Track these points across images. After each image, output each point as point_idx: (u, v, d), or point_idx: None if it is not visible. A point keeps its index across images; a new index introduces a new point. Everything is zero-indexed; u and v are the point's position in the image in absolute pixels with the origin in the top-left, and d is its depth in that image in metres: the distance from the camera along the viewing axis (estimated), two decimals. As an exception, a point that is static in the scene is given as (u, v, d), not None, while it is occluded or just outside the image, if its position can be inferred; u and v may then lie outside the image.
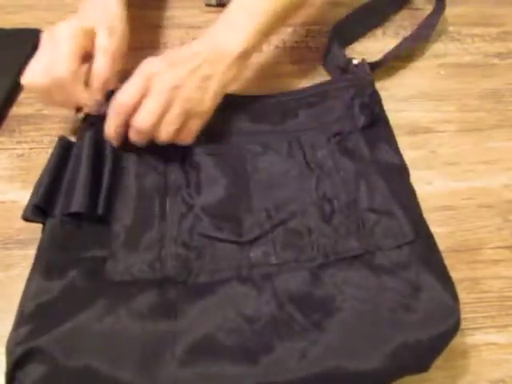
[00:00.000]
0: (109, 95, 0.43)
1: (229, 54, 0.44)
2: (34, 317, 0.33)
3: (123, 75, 0.43)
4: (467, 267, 0.42)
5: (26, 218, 0.39)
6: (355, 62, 0.53)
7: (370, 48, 0.62)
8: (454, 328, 0.33)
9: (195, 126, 0.44)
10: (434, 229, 0.39)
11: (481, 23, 0.66)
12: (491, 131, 0.53)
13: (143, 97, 0.41)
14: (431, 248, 0.38)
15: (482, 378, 0.36)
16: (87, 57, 0.43)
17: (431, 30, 0.61)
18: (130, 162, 0.43)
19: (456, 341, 0.34)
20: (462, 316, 0.34)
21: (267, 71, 0.58)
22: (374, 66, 0.54)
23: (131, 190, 0.41)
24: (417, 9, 0.68)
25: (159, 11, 0.66)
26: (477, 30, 0.65)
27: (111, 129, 0.42)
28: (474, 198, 0.47)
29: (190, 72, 0.42)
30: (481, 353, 0.38)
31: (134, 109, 0.41)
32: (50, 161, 0.41)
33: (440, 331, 0.33)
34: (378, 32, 0.65)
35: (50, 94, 0.42)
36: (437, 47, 0.62)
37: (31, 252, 0.38)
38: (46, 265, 0.36)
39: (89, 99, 0.43)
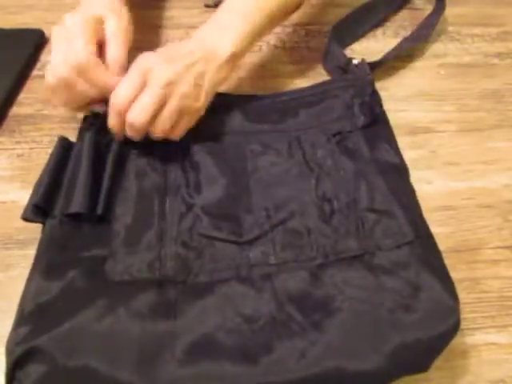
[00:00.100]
0: None
1: (222, 54, 0.44)
2: (34, 317, 0.33)
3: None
4: (467, 267, 0.42)
5: (25, 218, 0.39)
6: (355, 61, 0.53)
7: (370, 48, 0.62)
8: (454, 328, 0.33)
9: (187, 123, 0.44)
10: (434, 229, 0.39)
11: (481, 23, 0.66)
12: (491, 131, 0.53)
13: (139, 92, 0.41)
14: (431, 248, 0.38)
15: (481, 378, 0.36)
16: (99, 44, 0.43)
17: (431, 30, 0.61)
18: (130, 162, 0.43)
19: (456, 341, 0.34)
20: (462, 316, 0.34)
21: (267, 71, 0.59)
22: (374, 66, 0.54)
23: (131, 189, 0.41)
24: (417, 9, 0.68)
25: (159, 11, 0.67)
26: (477, 30, 0.65)
27: (113, 126, 0.42)
28: (474, 198, 0.47)
29: (186, 68, 0.42)
30: (481, 353, 0.37)
31: (131, 104, 0.41)
32: (49, 161, 0.41)
33: (440, 331, 0.33)
34: (378, 32, 0.65)
35: (73, 87, 0.41)
36: (437, 47, 0.62)
37: (31, 252, 0.38)
38: (45, 265, 0.36)
39: (113, 79, 0.42)
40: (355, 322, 0.33)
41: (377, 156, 0.44)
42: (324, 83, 0.52)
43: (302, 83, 0.56)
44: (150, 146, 0.44)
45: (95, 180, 0.40)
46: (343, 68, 0.55)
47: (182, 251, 0.38)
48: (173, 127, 0.43)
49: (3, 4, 0.66)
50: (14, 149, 0.50)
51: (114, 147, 0.42)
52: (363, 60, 0.53)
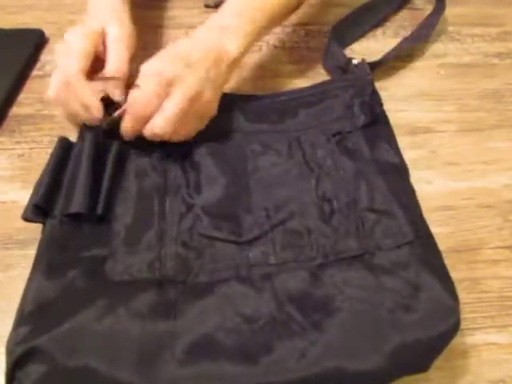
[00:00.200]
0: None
1: (230, 55, 0.45)
2: (34, 316, 0.33)
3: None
4: (467, 267, 0.42)
5: (26, 218, 0.39)
6: (355, 61, 0.53)
7: (370, 48, 0.62)
8: (454, 328, 0.33)
9: (201, 125, 0.45)
10: (434, 229, 0.39)
11: (481, 23, 0.66)
12: (491, 131, 0.53)
13: (161, 100, 0.41)
14: (431, 248, 0.38)
15: (481, 378, 0.36)
16: (100, 57, 0.44)
17: (431, 30, 0.61)
18: (130, 162, 0.43)
19: (456, 341, 0.34)
20: (462, 316, 0.34)
21: (267, 71, 0.59)
22: (374, 66, 0.54)
23: (131, 189, 0.41)
24: (417, 9, 0.68)
25: (159, 11, 0.67)
26: (477, 30, 0.65)
27: (126, 129, 0.42)
28: (474, 198, 0.47)
29: (206, 75, 0.42)
30: (481, 353, 0.37)
31: (152, 112, 0.41)
32: (50, 161, 0.41)
33: (440, 331, 0.33)
34: (378, 32, 0.65)
35: (66, 104, 0.42)
36: (437, 47, 0.62)
37: (31, 252, 0.37)
38: (46, 265, 0.36)
39: (90, 100, 0.41)
40: (355, 321, 0.33)
41: (377, 156, 0.44)
42: (324, 83, 0.52)
43: (301, 83, 0.56)
44: (151, 146, 0.44)
45: (95, 180, 0.40)
46: (343, 68, 0.55)
47: (182, 251, 0.38)
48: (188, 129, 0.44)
49: (3, 4, 0.66)
50: (14, 149, 0.50)
51: (115, 148, 0.42)
52: (363, 60, 0.53)
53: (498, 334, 0.38)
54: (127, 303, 0.34)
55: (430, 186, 0.47)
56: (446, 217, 0.45)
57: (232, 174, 0.43)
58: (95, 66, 0.44)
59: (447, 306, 0.34)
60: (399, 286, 0.35)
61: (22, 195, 0.44)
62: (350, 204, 0.40)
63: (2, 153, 0.49)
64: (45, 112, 0.52)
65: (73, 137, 0.44)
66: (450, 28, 0.65)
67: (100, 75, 0.44)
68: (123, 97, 0.43)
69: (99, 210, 0.39)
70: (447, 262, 0.37)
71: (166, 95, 0.41)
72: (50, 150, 0.42)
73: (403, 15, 0.67)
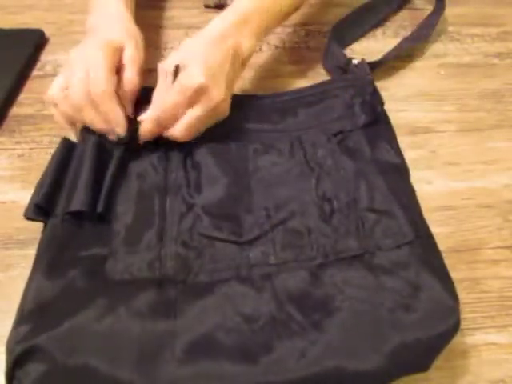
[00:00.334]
0: None
1: (244, 52, 0.46)
2: (34, 315, 0.33)
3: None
4: (467, 267, 0.42)
5: (27, 217, 0.39)
6: (355, 61, 0.53)
7: (370, 48, 0.62)
8: (454, 328, 0.33)
9: (210, 125, 0.45)
10: (434, 229, 0.39)
11: (481, 23, 0.66)
12: (491, 131, 0.53)
13: (186, 107, 0.42)
14: (431, 248, 0.38)
15: (481, 378, 0.36)
16: (116, 71, 0.44)
17: (431, 30, 0.61)
18: (132, 162, 0.43)
19: (456, 341, 0.34)
20: (462, 316, 0.34)
21: (267, 71, 0.59)
22: (374, 65, 0.54)
23: (132, 189, 0.41)
24: (417, 9, 0.68)
25: (159, 11, 0.67)
26: (477, 30, 0.65)
27: (145, 133, 0.43)
28: (474, 198, 0.47)
29: (227, 82, 0.44)
30: (481, 353, 0.37)
31: (174, 119, 0.43)
32: (52, 161, 0.41)
33: (440, 331, 0.33)
34: (378, 32, 0.65)
35: (79, 111, 0.42)
36: (437, 47, 0.63)
37: (31, 252, 0.37)
38: (46, 264, 0.36)
39: (122, 117, 0.42)
40: (355, 321, 0.33)
41: (377, 156, 0.44)
42: (324, 83, 0.52)
43: (301, 83, 0.56)
44: (152, 146, 0.44)
45: (97, 180, 0.40)
46: (343, 68, 0.55)
47: (182, 251, 0.38)
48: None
49: (3, 4, 0.66)
50: (14, 149, 0.50)
51: (117, 148, 0.42)
52: (363, 60, 0.53)
53: (497, 334, 0.38)
54: (127, 302, 0.34)
55: (430, 186, 0.47)
56: (446, 217, 0.45)
57: (233, 173, 0.43)
58: None
59: (447, 306, 0.34)
60: (399, 286, 0.35)
61: (22, 195, 0.44)
62: (350, 204, 0.40)
63: (2, 153, 0.49)
64: (45, 112, 0.53)
65: (73, 137, 0.44)
66: (450, 28, 0.65)
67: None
68: (134, 115, 0.44)
69: (99, 208, 0.39)
70: (447, 261, 0.37)
71: (190, 103, 0.42)
72: (50, 150, 0.42)
73: (403, 15, 0.67)
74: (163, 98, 0.43)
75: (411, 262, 0.36)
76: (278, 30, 0.62)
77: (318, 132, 0.46)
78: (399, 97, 0.56)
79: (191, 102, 0.42)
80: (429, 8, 0.65)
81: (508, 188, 0.48)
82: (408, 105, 0.55)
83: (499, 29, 0.65)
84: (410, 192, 0.42)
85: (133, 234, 0.39)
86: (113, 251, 0.37)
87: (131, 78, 0.44)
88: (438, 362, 0.34)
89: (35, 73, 0.58)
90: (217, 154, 0.44)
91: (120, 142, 0.43)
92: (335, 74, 0.56)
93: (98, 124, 0.42)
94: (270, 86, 0.56)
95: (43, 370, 0.31)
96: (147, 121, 0.43)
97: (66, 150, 0.42)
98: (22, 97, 0.55)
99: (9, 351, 0.32)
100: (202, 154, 0.44)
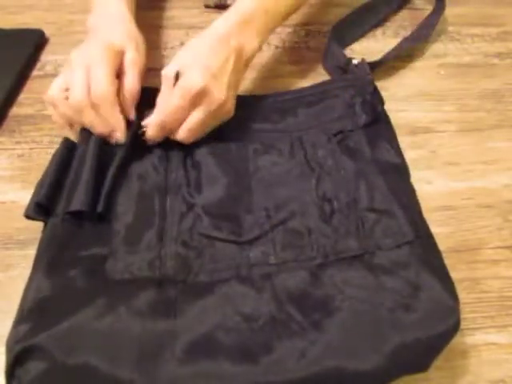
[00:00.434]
0: None
1: (247, 52, 0.46)
2: (34, 314, 0.33)
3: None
4: (467, 267, 0.42)
5: (27, 216, 0.39)
6: (355, 61, 0.53)
7: (370, 48, 0.62)
8: (454, 328, 0.33)
9: (215, 126, 0.46)
10: (434, 229, 0.39)
11: (481, 23, 0.66)
12: (491, 131, 0.53)
13: (190, 110, 0.43)
14: (431, 248, 0.38)
15: (481, 378, 0.36)
16: (117, 73, 0.45)
17: (431, 30, 0.61)
18: (132, 162, 0.43)
19: (456, 341, 0.34)
20: (462, 316, 0.34)
21: (267, 71, 0.59)
22: (374, 65, 0.54)
23: (132, 189, 0.41)
24: (417, 9, 0.68)
25: (159, 11, 0.67)
26: (477, 30, 0.65)
27: (152, 138, 0.43)
28: (474, 198, 0.47)
29: (228, 84, 0.43)
30: (481, 353, 0.37)
31: (178, 123, 0.43)
32: (52, 160, 0.41)
33: (439, 331, 0.33)
34: (378, 32, 0.65)
35: (79, 112, 0.42)
36: (437, 47, 0.63)
37: (31, 252, 0.37)
38: (46, 263, 0.36)
39: (122, 122, 0.43)
40: (355, 321, 0.33)
41: (377, 156, 0.44)
42: (324, 83, 0.52)
43: (302, 83, 0.56)
44: (153, 146, 0.44)
45: (97, 180, 0.40)
46: (343, 68, 0.55)
47: (182, 251, 0.38)
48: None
49: (3, 4, 0.66)
50: (14, 149, 0.50)
51: (119, 149, 0.42)
52: (363, 60, 0.53)
53: (497, 334, 0.38)
54: (127, 302, 0.34)
55: (430, 186, 0.47)
56: (446, 217, 0.45)
57: (233, 173, 0.43)
58: None
59: (447, 306, 0.34)
60: (399, 286, 0.35)
61: (22, 195, 0.44)
62: (350, 204, 0.40)
63: (2, 153, 0.49)
64: (45, 112, 0.52)
65: (71, 137, 0.44)
66: (450, 28, 0.65)
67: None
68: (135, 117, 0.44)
69: (99, 208, 0.39)
70: (447, 261, 0.37)
71: (192, 105, 0.42)
72: (50, 150, 0.42)
73: (403, 15, 0.67)
74: (166, 102, 0.43)
75: (411, 261, 0.36)
76: (278, 29, 0.62)
77: (319, 132, 0.46)
78: (399, 97, 0.56)
79: (193, 105, 0.42)
80: (429, 8, 0.65)
81: (508, 188, 0.48)
82: (408, 105, 0.55)
83: (499, 29, 0.65)
84: (410, 192, 0.42)
85: (133, 233, 0.39)
86: (113, 251, 0.37)
87: (132, 82, 0.44)
88: (438, 361, 0.34)
89: (35, 73, 0.58)
90: (217, 153, 0.44)
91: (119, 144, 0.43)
92: (335, 74, 0.56)
93: (97, 127, 0.42)
94: (270, 86, 0.56)
95: (43, 369, 0.31)
96: (151, 126, 0.43)
97: (67, 150, 0.42)
98: (22, 97, 0.55)
99: (9, 350, 0.32)
100: (203, 154, 0.44)
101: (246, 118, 0.48)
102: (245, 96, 0.51)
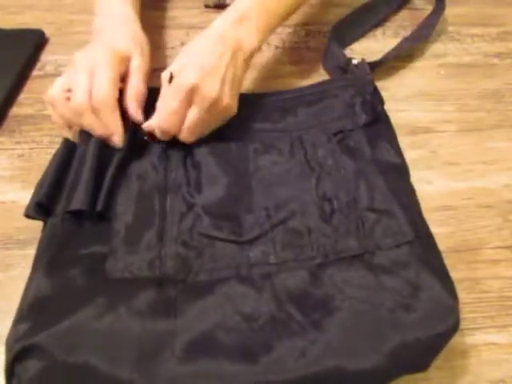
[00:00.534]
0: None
1: (246, 49, 0.45)
2: (34, 313, 0.33)
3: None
4: (467, 267, 0.42)
5: (27, 215, 0.39)
6: (355, 61, 0.53)
7: (370, 48, 0.62)
8: (454, 328, 0.33)
9: (219, 125, 0.46)
10: (434, 229, 0.39)
11: (481, 23, 0.66)
12: (491, 131, 0.53)
13: (186, 111, 0.43)
14: (431, 247, 0.38)
15: (481, 378, 0.36)
16: (121, 78, 0.45)
17: (431, 30, 0.61)
18: (132, 162, 0.43)
19: (456, 341, 0.34)
20: (462, 316, 0.34)
21: (267, 71, 0.59)
22: (374, 65, 0.54)
23: (132, 189, 0.41)
24: (417, 9, 0.68)
25: (159, 11, 0.67)
26: (477, 30, 0.65)
27: (153, 139, 0.44)
28: (474, 198, 0.47)
29: (222, 81, 0.43)
30: (480, 353, 0.37)
31: (179, 123, 0.43)
32: (53, 160, 0.41)
33: (439, 331, 0.33)
34: (378, 32, 0.65)
35: (79, 115, 0.42)
36: (437, 47, 0.63)
37: (31, 252, 0.38)
38: (46, 263, 0.36)
39: (121, 128, 0.43)
40: (355, 321, 0.33)
41: (377, 155, 0.44)
42: (324, 82, 0.52)
43: (302, 83, 0.56)
44: (152, 146, 0.44)
45: (97, 180, 0.40)
46: (343, 68, 0.55)
47: (182, 250, 0.38)
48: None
49: (3, 4, 0.66)
50: (14, 149, 0.50)
51: (118, 149, 0.43)
52: (363, 60, 0.53)
53: (497, 334, 0.38)
54: (127, 301, 0.34)
55: (430, 185, 0.47)
56: (446, 217, 0.45)
57: (233, 173, 0.43)
58: None
59: (447, 306, 0.34)
60: (399, 286, 0.35)
61: (22, 195, 0.44)
62: (350, 203, 0.40)
63: (2, 153, 0.49)
64: (45, 112, 0.52)
65: (70, 137, 0.44)
66: (450, 28, 0.65)
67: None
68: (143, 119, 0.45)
69: (99, 207, 0.39)
70: (447, 261, 0.37)
71: (188, 104, 0.42)
72: (50, 150, 0.43)
73: (403, 15, 0.67)
74: (163, 104, 0.43)
75: (411, 261, 0.36)
76: (278, 29, 0.61)
77: (319, 131, 0.46)
78: (399, 97, 0.56)
79: (189, 104, 0.42)
80: (429, 8, 0.65)
81: (508, 188, 0.48)
82: (408, 105, 0.55)
83: (499, 29, 0.65)
84: (410, 192, 0.42)
85: (133, 233, 0.39)
86: (113, 250, 0.38)
87: (137, 88, 0.45)
88: (438, 361, 0.34)
89: (35, 73, 0.58)
90: (217, 153, 0.44)
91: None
92: (335, 74, 0.56)
93: (96, 130, 0.42)
94: (270, 86, 0.56)
95: (42, 368, 0.31)
96: (151, 128, 0.43)
97: (67, 151, 0.42)
98: (22, 97, 0.55)
99: (8, 349, 0.32)
100: (203, 154, 0.44)
101: (246, 117, 0.48)
102: (246, 94, 0.51)
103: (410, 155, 0.46)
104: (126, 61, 0.45)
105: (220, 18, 0.46)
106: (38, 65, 0.59)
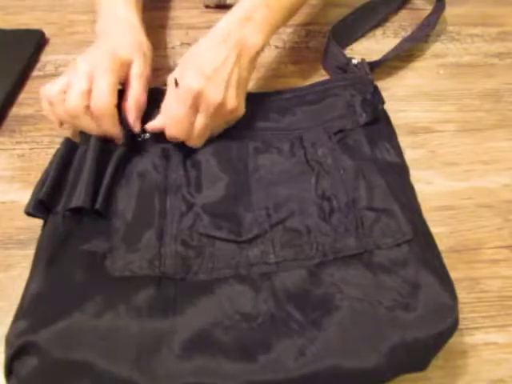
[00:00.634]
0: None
1: (252, 49, 0.45)
2: (33, 311, 0.34)
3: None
4: (467, 267, 0.42)
5: (28, 213, 0.39)
6: (355, 61, 0.53)
7: (370, 48, 0.62)
8: (452, 327, 0.33)
9: (227, 126, 0.46)
10: (434, 229, 0.39)
11: (481, 23, 0.66)
12: (491, 131, 0.53)
13: (193, 116, 0.43)
14: (430, 247, 0.38)
15: (481, 378, 0.36)
16: (121, 83, 0.45)
17: (431, 30, 0.61)
18: (132, 161, 0.43)
19: (455, 340, 0.34)
20: (462, 316, 0.34)
21: (267, 71, 0.59)
22: (374, 65, 0.54)
23: (132, 188, 0.41)
24: (417, 9, 0.68)
25: (159, 12, 0.67)
26: (477, 30, 0.65)
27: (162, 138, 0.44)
28: (474, 198, 0.47)
29: (226, 85, 0.43)
30: (480, 352, 0.37)
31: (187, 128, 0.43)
32: (54, 159, 0.41)
33: (438, 330, 0.33)
34: (378, 32, 0.65)
35: (76, 117, 0.42)
36: (437, 47, 0.63)
37: (31, 252, 0.38)
38: (46, 260, 0.36)
39: (120, 132, 0.43)
40: (354, 320, 0.33)
41: (377, 155, 0.44)
42: (324, 82, 0.52)
43: (302, 83, 0.56)
44: (153, 145, 0.44)
45: (98, 179, 0.40)
46: (343, 68, 0.55)
47: (182, 250, 0.38)
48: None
49: (3, 4, 0.66)
50: (14, 149, 0.50)
51: (119, 149, 0.43)
52: (363, 60, 0.53)
53: (497, 334, 0.38)
54: (126, 299, 0.34)
55: (430, 186, 0.47)
56: (446, 217, 0.45)
57: (233, 172, 0.43)
58: None
59: (446, 305, 0.34)
60: (398, 285, 0.35)
61: (22, 195, 0.44)
62: (349, 203, 0.40)
63: (2, 153, 0.50)
64: (45, 112, 0.52)
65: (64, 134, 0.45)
66: (450, 28, 0.65)
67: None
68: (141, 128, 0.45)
69: (98, 205, 0.39)
70: (447, 261, 0.37)
71: (196, 110, 0.43)
72: (50, 150, 0.43)
73: (403, 15, 0.67)
74: (169, 110, 0.43)
75: (410, 260, 0.36)
76: (279, 30, 0.62)
77: (319, 131, 0.46)
78: (399, 97, 0.56)
79: (196, 110, 0.43)
80: (429, 8, 0.65)
81: (508, 188, 0.48)
82: (408, 105, 0.55)
83: (499, 29, 0.65)
84: (410, 191, 0.42)
85: (133, 232, 0.39)
86: (113, 248, 0.38)
87: (137, 97, 0.45)
88: (438, 361, 0.34)
89: (35, 73, 0.58)
90: (217, 152, 0.44)
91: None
92: (335, 74, 0.56)
93: (94, 131, 0.42)
94: (270, 86, 0.56)
95: (41, 365, 0.31)
96: (153, 128, 0.44)
97: (68, 150, 0.42)
98: (22, 97, 0.55)
99: (7, 345, 0.32)
100: (203, 153, 0.44)
101: (247, 116, 0.47)
102: (246, 94, 0.50)
103: (409, 155, 0.46)
104: (126, 66, 0.45)
105: (225, 17, 0.46)
106: (38, 65, 0.59)
